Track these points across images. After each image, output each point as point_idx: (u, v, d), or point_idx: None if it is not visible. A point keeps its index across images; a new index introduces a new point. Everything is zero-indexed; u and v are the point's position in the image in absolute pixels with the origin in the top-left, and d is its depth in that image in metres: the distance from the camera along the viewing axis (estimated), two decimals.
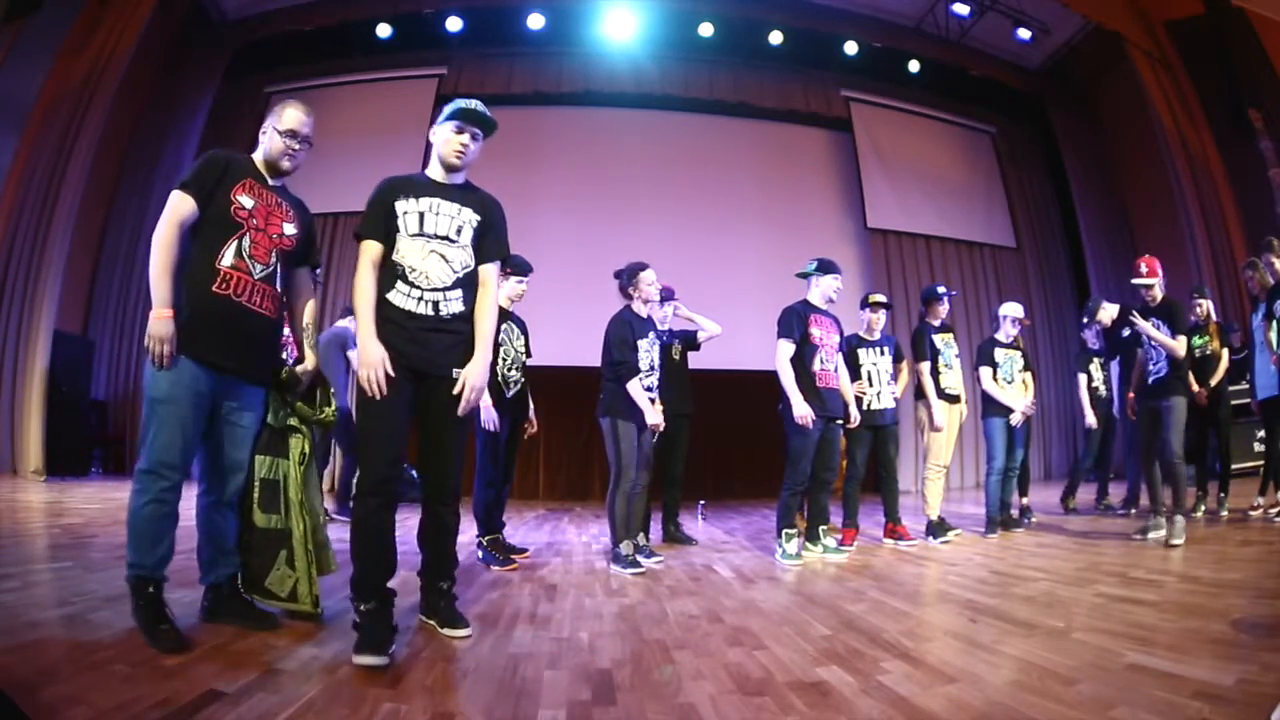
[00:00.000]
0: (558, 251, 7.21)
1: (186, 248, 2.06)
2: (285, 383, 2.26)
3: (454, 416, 2.12)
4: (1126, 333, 4.98)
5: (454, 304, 2.13)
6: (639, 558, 3.42)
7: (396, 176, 2.20)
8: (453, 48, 8.35)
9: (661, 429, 3.42)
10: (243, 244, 2.09)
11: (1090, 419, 5.12)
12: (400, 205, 2.12)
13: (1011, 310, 4.55)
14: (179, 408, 1.98)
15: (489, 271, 2.21)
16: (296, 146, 2.20)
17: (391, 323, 2.06)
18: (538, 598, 2.70)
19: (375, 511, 2.04)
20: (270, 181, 2.21)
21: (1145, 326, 3.79)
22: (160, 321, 1.95)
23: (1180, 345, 3.74)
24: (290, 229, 2.23)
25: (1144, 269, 3.92)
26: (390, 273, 2.10)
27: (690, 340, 4.46)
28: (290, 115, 2.20)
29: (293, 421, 2.27)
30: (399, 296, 2.09)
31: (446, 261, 2.13)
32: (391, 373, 2.00)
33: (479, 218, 2.20)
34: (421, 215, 2.13)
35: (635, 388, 3.36)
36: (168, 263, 2.00)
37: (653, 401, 3.49)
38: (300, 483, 2.24)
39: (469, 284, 2.16)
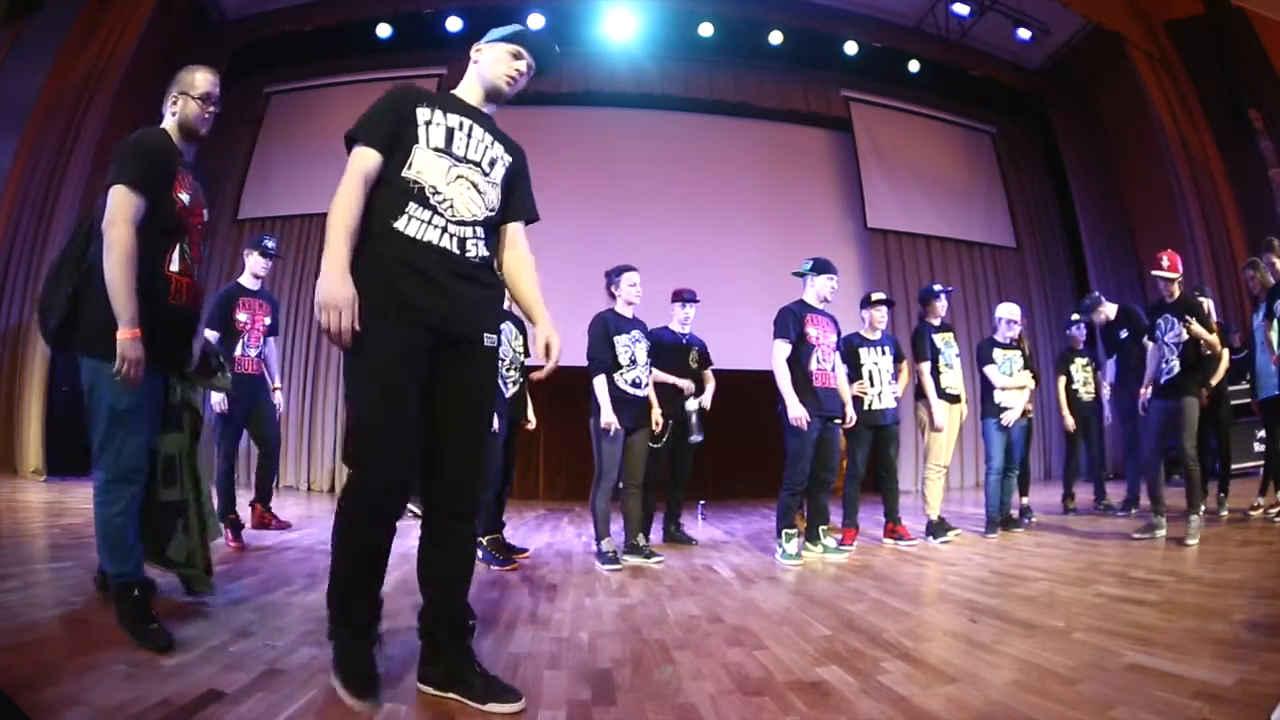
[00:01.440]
0: (557, 251, 7.17)
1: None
2: (207, 358, 2.29)
3: (487, 398, 1.74)
4: (1124, 334, 5.00)
5: (481, 247, 1.69)
6: (623, 555, 3.50)
7: (404, 87, 1.76)
8: (453, 48, 8.31)
9: (613, 430, 3.40)
10: (184, 247, 2.06)
11: (1069, 421, 5.11)
12: (423, 113, 1.67)
13: (1006, 312, 4.54)
14: (142, 414, 1.99)
15: (521, 232, 1.87)
16: (211, 109, 2.17)
17: (404, 264, 1.57)
18: (538, 598, 2.70)
19: (372, 534, 1.59)
20: (186, 159, 2.16)
21: (1199, 330, 3.75)
22: (133, 343, 1.87)
23: (1216, 339, 3.78)
24: (207, 214, 2.22)
25: (1165, 262, 3.91)
26: (399, 193, 1.61)
27: (705, 355, 4.41)
28: (203, 79, 2.15)
29: (186, 397, 2.27)
30: (415, 224, 1.59)
31: (479, 193, 1.70)
32: (357, 324, 1.52)
33: (510, 159, 1.82)
34: (450, 131, 1.69)
35: (600, 385, 3.46)
36: (133, 274, 1.88)
37: (632, 400, 3.53)
38: (190, 455, 2.28)
39: (494, 232, 1.78)
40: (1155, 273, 3.95)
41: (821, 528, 3.79)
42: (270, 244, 3.86)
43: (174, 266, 2.02)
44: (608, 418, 3.40)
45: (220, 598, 2.41)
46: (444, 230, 1.62)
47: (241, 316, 3.66)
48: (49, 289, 2.05)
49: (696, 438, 4.17)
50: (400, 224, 1.59)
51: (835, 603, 2.61)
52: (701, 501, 6.12)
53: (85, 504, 4.59)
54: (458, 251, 1.64)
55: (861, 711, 1.53)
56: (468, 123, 1.73)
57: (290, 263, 7.84)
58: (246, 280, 3.80)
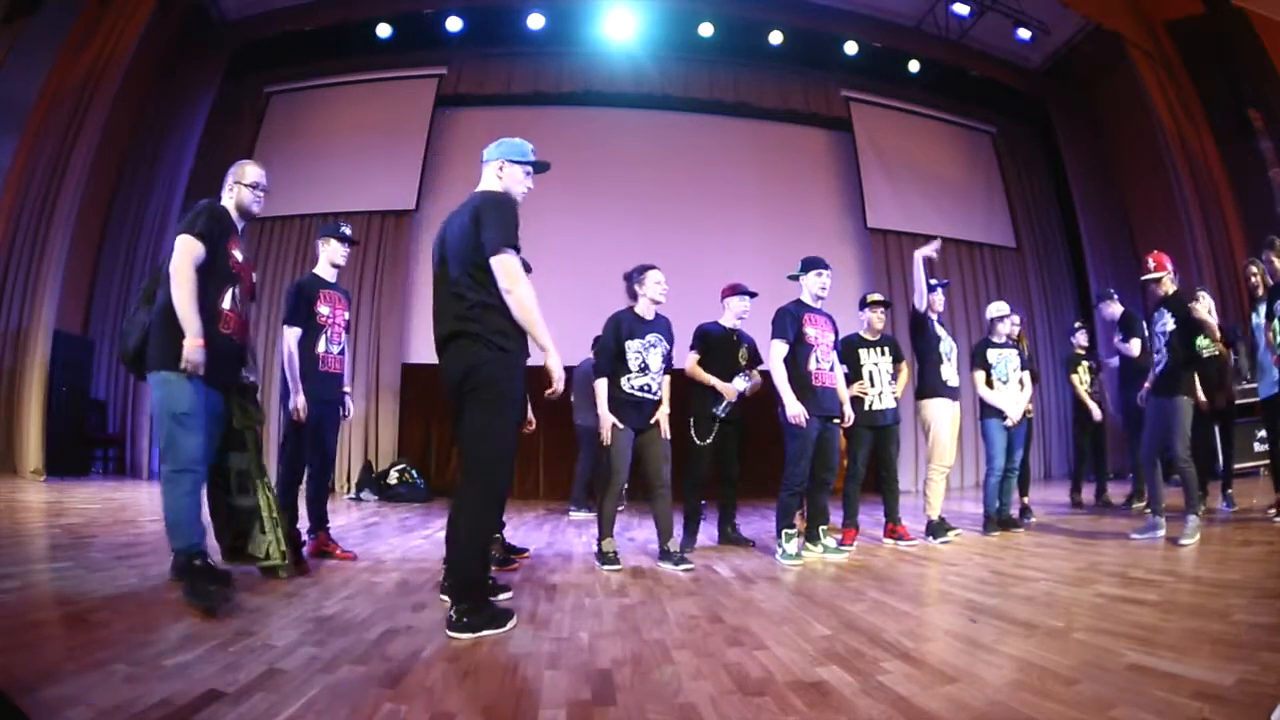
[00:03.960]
0: (557, 251, 7.20)
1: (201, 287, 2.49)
2: (248, 390, 2.80)
3: None
4: (1119, 338, 5.06)
5: None
6: (659, 563, 3.47)
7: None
8: (453, 48, 8.34)
9: (609, 431, 3.38)
10: (236, 291, 2.64)
11: (1096, 412, 5.27)
12: None
13: (995, 311, 4.51)
14: (198, 418, 2.45)
15: None
16: (260, 194, 2.77)
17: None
18: (538, 598, 2.70)
19: (498, 516, 2.48)
20: (239, 230, 2.74)
21: (1201, 310, 3.72)
22: (197, 349, 2.41)
23: (1214, 324, 3.75)
24: (254, 276, 2.88)
25: (1151, 264, 3.91)
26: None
27: (755, 353, 4.19)
28: (252, 170, 2.75)
29: (246, 422, 2.79)
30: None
31: None
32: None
33: None
34: None
35: (599, 388, 3.44)
36: (196, 300, 2.44)
37: (639, 401, 3.46)
38: (258, 467, 2.79)
39: None
40: (1144, 277, 3.94)
41: (821, 528, 3.78)
42: (348, 230, 3.56)
43: (225, 304, 2.59)
44: (606, 421, 3.40)
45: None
46: None
47: (323, 309, 3.37)
48: (129, 319, 2.61)
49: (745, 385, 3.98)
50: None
51: (835, 603, 2.61)
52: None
53: (85, 504, 4.61)
54: None
55: (861, 711, 1.53)
56: None
57: (292, 264, 7.85)
58: (323, 271, 3.48)
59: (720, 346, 4.05)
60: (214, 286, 2.54)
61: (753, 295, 4.13)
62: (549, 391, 2.35)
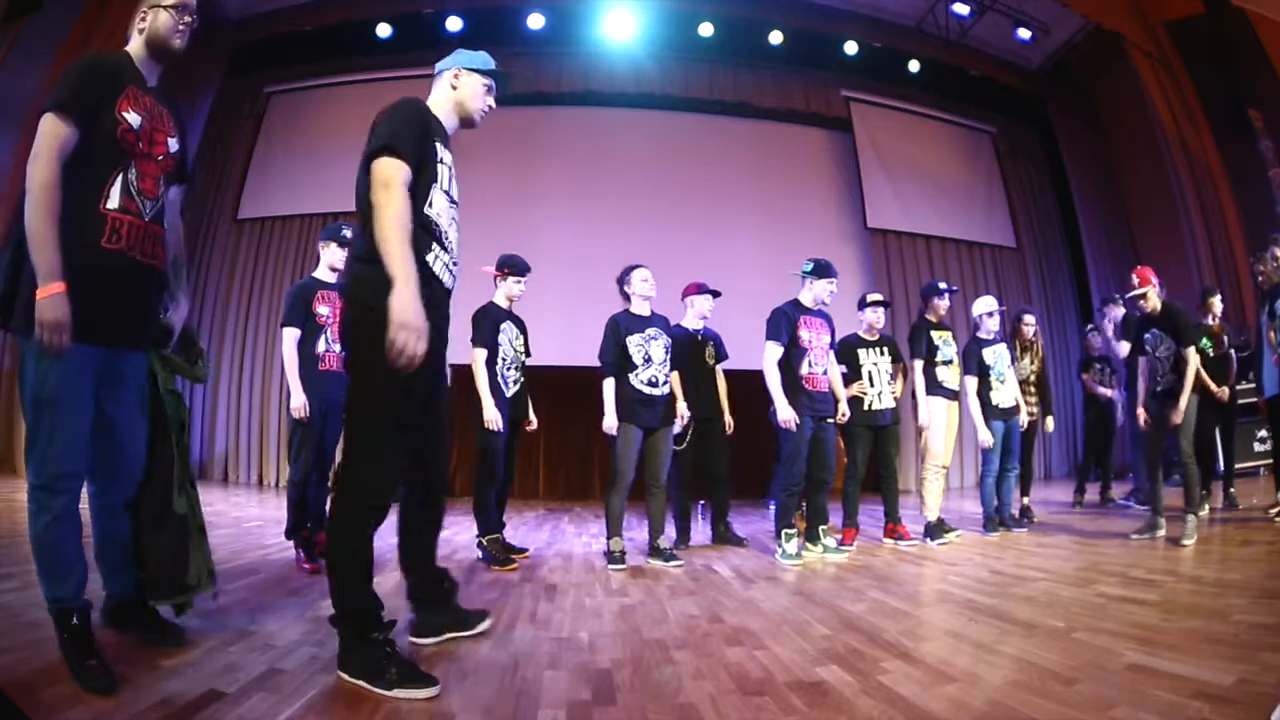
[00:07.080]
0: (557, 251, 7.20)
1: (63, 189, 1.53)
2: (159, 339, 1.84)
3: (446, 408, 1.89)
4: (1119, 342, 5.10)
5: (456, 279, 1.85)
6: (649, 559, 3.49)
7: (427, 106, 1.84)
8: (453, 48, 8.32)
9: (615, 431, 3.41)
10: (129, 179, 1.63)
11: (1107, 392, 5.62)
12: (440, 151, 1.76)
13: (984, 307, 4.47)
14: (76, 406, 1.59)
15: None
16: (187, 19, 1.77)
17: (434, 302, 1.67)
18: (538, 598, 2.70)
19: (370, 529, 1.69)
20: (149, 82, 1.74)
21: (1147, 306, 3.82)
22: (52, 300, 1.46)
23: (1192, 357, 3.70)
24: (174, 144, 1.76)
25: (1136, 280, 3.89)
26: (422, 229, 1.68)
27: (720, 349, 4.32)
28: None
29: (171, 385, 1.89)
30: (439, 264, 1.73)
31: (459, 232, 1.84)
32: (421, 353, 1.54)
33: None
34: (450, 171, 1.79)
35: (606, 389, 3.46)
36: (55, 217, 1.49)
37: (649, 399, 3.46)
38: (183, 455, 1.88)
39: None
40: (1130, 294, 3.90)
41: (821, 528, 3.78)
42: (349, 233, 3.49)
43: (112, 203, 1.60)
44: (608, 422, 3.40)
45: (220, 599, 2.40)
46: (448, 268, 1.79)
47: (322, 310, 3.31)
48: None
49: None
50: (429, 259, 1.71)
51: (835, 603, 2.61)
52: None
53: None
54: (451, 286, 1.82)
55: (861, 711, 1.53)
56: (450, 158, 1.81)
57: (292, 264, 7.84)
58: (322, 274, 3.43)
59: (686, 349, 4.07)
60: (91, 178, 1.58)
61: (716, 294, 4.19)
62: (395, 353, 1.52)
